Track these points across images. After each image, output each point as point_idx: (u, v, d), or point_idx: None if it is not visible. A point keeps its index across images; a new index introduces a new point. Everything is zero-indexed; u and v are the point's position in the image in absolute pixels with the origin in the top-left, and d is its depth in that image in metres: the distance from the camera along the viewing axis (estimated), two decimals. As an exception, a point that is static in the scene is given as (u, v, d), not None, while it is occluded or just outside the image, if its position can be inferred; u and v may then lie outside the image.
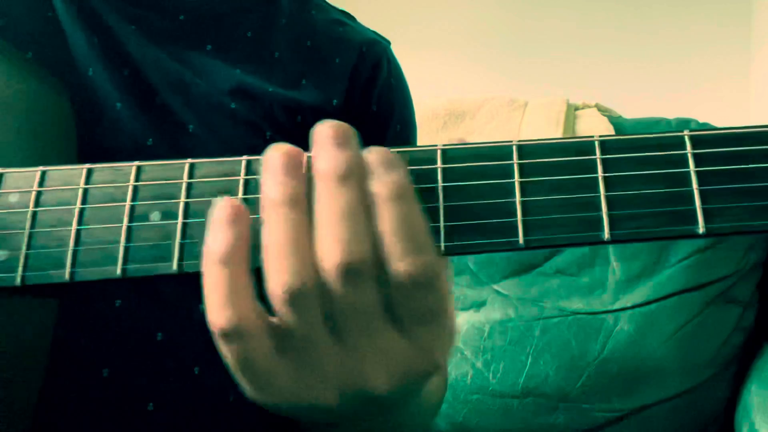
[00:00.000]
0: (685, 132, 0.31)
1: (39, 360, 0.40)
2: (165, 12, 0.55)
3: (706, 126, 1.23)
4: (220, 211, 0.31)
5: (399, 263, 0.30)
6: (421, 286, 0.30)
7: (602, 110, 1.32)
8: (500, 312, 1.19)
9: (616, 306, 1.14)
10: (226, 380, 0.50)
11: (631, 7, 2.10)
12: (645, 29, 2.08)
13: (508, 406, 1.13)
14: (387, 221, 0.30)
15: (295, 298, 0.30)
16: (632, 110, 1.40)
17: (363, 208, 0.30)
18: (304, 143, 0.56)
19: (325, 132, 0.31)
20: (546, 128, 1.26)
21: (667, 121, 1.25)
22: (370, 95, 0.61)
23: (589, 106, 1.33)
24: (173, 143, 0.50)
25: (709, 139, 0.30)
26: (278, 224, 0.30)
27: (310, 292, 0.30)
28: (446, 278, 0.31)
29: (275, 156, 0.31)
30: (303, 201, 0.31)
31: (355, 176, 0.30)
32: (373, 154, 0.31)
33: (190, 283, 0.49)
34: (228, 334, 0.30)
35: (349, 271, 0.29)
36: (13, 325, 0.39)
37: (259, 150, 0.53)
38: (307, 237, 0.30)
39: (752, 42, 1.99)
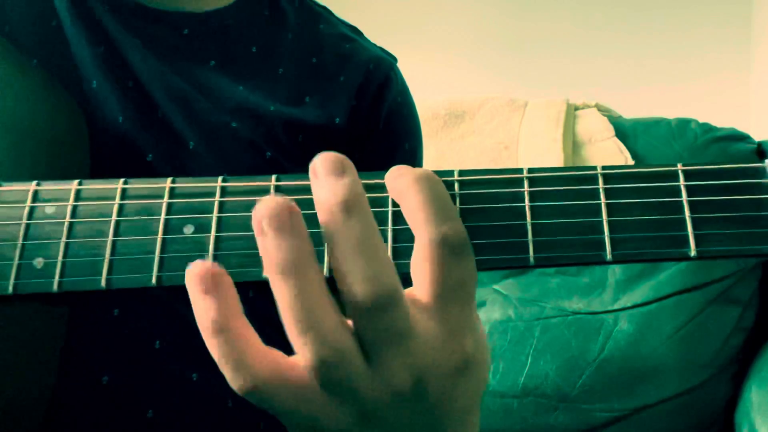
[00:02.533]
0: (679, 166, 0.34)
1: (50, 368, 0.40)
2: (169, 26, 0.54)
3: (706, 126, 1.23)
4: (192, 278, 0.29)
5: (435, 230, 0.30)
6: (454, 251, 0.31)
7: (602, 110, 1.32)
8: (500, 312, 1.19)
9: (616, 306, 1.14)
10: (224, 386, 0.50)
11: (631, 7, 2.10)
12: (645, 29, 2.08)
13: (508, 406, 1.13)
14: (418, 198, 0.31)
15: (331, 364, 0.29)
16: (632, 110, 1.40)
17: (376, 236, 0.29)
18: (305, 163, 0.56)
19: (319, 164, 0.30)
20: (546, 128, 1.26)
21: (667, 121, 1.25)
22: (377, 114, 0.60)
23: (589, 106, 1.33)
24: (173, 159, 0.50)
25: (700, 172, 0.34)
26: (292, 291, 0.28)
27: (345, 352, 0.29)
28: (473, 257, 0.32)
29: (263, 217, 0.28)
30: (307, 260, 0.28)
31: (359, 203, 0.29)
32: (392, 168, 0.33)
33: (187, 292, 0.49)
34: (251, 394, 0.29)
35: (379, 305, 0.29)
36: (26, 336, 0.39)
37: (258, 170, 0.53)
38: (326, 298, 0.29)
39: (752, 41, 1.99)
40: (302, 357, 0.29)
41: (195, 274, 0.28)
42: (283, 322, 0.29)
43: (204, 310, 0.28)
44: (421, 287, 0.31)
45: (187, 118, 0.52)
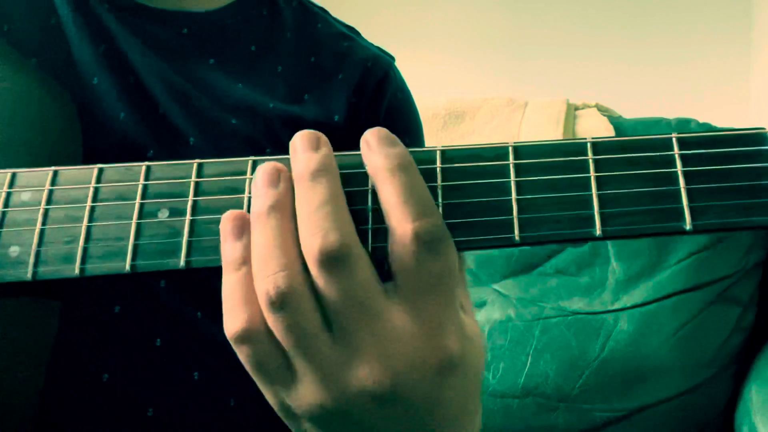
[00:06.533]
0: (673, 134, 0.32)
1: (40, 364, 0.40)
2: (168, 25, 0.54)
3: (706, 126, 1.23)
4: (227, 222, 0.32)
5: (408, 225, 0.30)
6: (428, 247, 0.30)
7: (602, 110, 1.32)
8: (500, 312, 1.19)
9: (616, 306, 1.14)
10: (226, 385, 0.50)
11: (632, 8, 2.10)
12: (645, 29, 2.08)
13: (508, 406, 1.13)
14: (393, 190, 0.31)
15: (282, 300, 0.30)
16: (632, 110, 1.40)
17: (339, 200, 0.31)
18: None
19: (296, 139, 0.33)
20: (546, 128, 1.26)
21: (667, 121, 1.25)
22: (377, 111, 0.60)
23: (589, 106, 1.33)
24: (174, 155, 0.50)
25: (695, 141, 0.32)
26: (261, 231, 0.31)
27: (298, 291, 0.30)
28: (453, 250, 0.31)
29: (256, 173, 0.33)
30: (286, 208, 0.31)
31: (328, 172, 0.32)
32: (372, 133, 0.33)
33: (188, 289, 0.49)
34: (239, 338, 0.31)
35: (332, 258, 0.30)
36: (16, 330, 0.39)
37: None
38: (291, 240, 0.31)
39: (752, 42, 1.99)
40: (261, 297, 0.30)
41: (230, 219, 0.32)
42: (254, 264, 0.31)
43: (234, 248, 0.32)
44: (395, 282, 0.31)
45: (187, 115, 0.52)
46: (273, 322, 0.31)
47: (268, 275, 0.30)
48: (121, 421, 0.47)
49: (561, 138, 1.24)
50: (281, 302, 0.30)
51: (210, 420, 0.50)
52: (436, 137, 1.31)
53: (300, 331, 0.30)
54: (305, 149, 0.32)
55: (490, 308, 1.20)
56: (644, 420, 1.10)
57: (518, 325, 1.17)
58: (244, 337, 0.31)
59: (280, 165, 0.33)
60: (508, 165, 0.32)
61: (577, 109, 1.33)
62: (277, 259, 0.30)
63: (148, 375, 0.48)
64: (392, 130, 0.63)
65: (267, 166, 0.33)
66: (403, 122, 0.63)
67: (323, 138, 0.33)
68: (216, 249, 0.33)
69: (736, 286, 1.14)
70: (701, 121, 1.25)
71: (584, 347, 1.13)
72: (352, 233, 0.31)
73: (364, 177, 0.33)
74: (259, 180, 0.32)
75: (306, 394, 0.31)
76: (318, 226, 0.30)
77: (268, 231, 0.31)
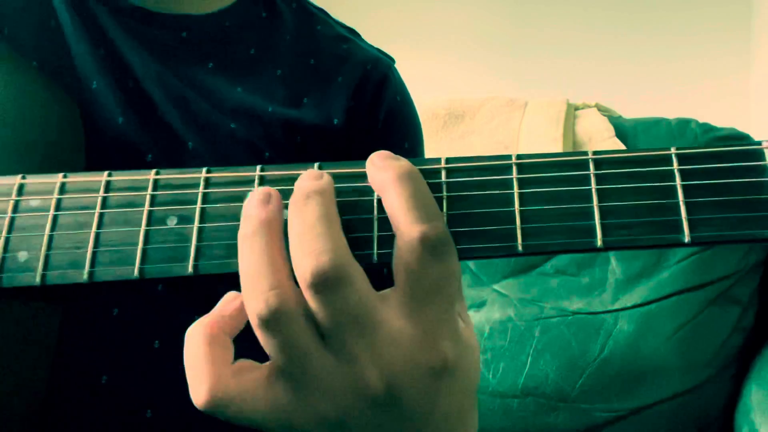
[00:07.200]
0: (673, 149, 0.33)
1: (41, 366, 0.40)
2: (167, 29, 0.54)
3: (706, 126, 1.23)
4: (252, 198, 0.32)
5: (415, 228, 0.30)
6: (433, 251, 0.30)
7: (602, 110, 1.32)
8: (500, 312, 1.19)
9: (616, 306, 1.14)
10: None
11: (632, 8, 2.10)
12: (645, 29, 2.08)
13: (508, 406, 1.13)
14: (400, 196, 0.31)
15: (273, 319, 0.30)
16: (632, 110, 1.40)
17: (333, 220, 0.31)
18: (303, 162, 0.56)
19: (301, 176, 0.34)
20: (546, 128, 1.26)
21: (667, 121, 1.25)
22: (376, 114, 0.60)
23: (589, 106, 1.33)
24: (172, 159, 0.50)
25: (694, 156, 0.33)
26: (249, 251, 0.31)
27: (289, 310, 0.30)
28: (456, 257, 0.31)
29: (247, 197, 0.33)
30: (275, 228, 0.31)
31: (323, 194, 0.32)
32: (377, 153, 0.33)
33: (186, 291, 0.49)
34: (210, 406, 0.32)
35: (325, 280, 0.29)
36: (18, 332, 0.39)
37: None
38: (281, 259, 0.31)
39: (752, 41, 1.99)
40: (252, 317, 0.30)
41: (258, 191, 0.32)
42: (243, 285, 0.31)
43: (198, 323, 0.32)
44: (397, 286, 0.31)
45: (186, 119, 0.52)
46: (265, 341, 0.30)
47: (258, 294, 0.30)
48: (120, 423, 0.47)
49: (561, 137, 1.24)
50: (273, 321, 0.30)
51: (208, 421, 0.50)
52: (435, 137, 1.31)
53: (294, 349, 0.30)
54: (306, 179, 0.33)
55: (490, 308, 1.20)
56: (644, 420, 1.10)
57: (518, 325, 1.17)
58: (216, 404, 0.32)
59: (272, 189, 0.33)
60: (512, 179, 0.33)
61: (577, 109, 1.33)
62: (266, 278, 0.30)
63: (147, 377, 0.48)
64: (391, 134, 0.63)
65: (258, 190, 0.33)
66: (402, 125, 0.63)
67: (326, 174, 0.33)
68: (223, 255, 0.33)
69: (736, 286, 1.14)
70: (701, 120, 1.25)
71: (584, 347, 1.13)
72: (345, 253, 0.30)
73: (369, 189, 0.34)
74: (249, 202, 0.32)
75: (305, 409, 0.31)
76: (310, 248, 0.30)
77: (256, 250, 0.31)
